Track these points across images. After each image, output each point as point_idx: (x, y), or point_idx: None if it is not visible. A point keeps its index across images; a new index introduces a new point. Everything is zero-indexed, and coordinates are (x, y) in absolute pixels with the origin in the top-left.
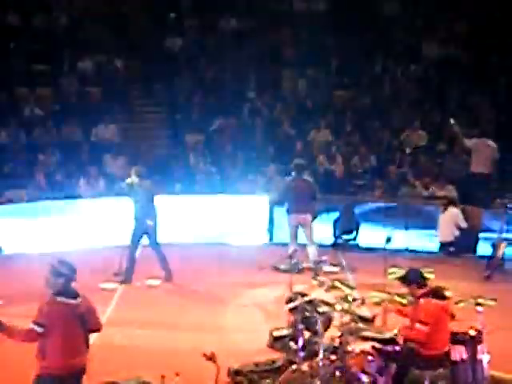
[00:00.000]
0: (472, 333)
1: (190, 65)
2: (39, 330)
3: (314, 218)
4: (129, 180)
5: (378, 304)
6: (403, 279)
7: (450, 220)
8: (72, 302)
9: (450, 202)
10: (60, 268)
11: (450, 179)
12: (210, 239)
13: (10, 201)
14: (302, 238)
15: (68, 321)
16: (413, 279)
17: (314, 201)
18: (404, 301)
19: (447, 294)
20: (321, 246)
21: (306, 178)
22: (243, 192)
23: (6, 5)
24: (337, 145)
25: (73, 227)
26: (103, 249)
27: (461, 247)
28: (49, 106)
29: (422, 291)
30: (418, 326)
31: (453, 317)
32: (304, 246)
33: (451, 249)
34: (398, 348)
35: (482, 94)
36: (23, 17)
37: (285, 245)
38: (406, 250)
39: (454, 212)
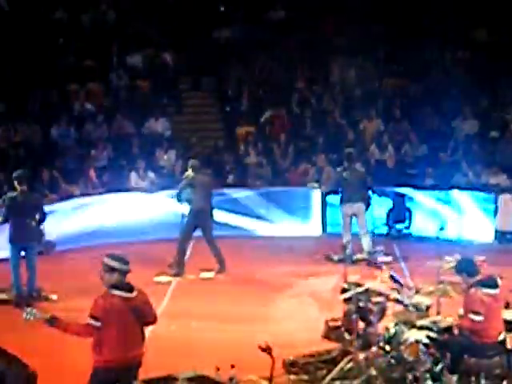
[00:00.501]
0: None
1: (238, 56)
2: (96, 323)
3: (367, 207)
4: (186, 173)
5: (432, 293)
6: (455, 268)
7: (506, 208)
8: (127, 295)
9: (505, 190)
10: (113, 263)
11: (503, 166)
12: (263, 231)
13: (63, 197)
14: (355, 228)
15: (124, 314)
16: (464, 268)
17: (366, 190)
18: (452, 293)
19: (500, 282)
20: (374, 235)
21: (358, 167)
22: (294, 183)
23: (55, 2)
24: (388, 134)
25: (125, 221)
26: (156, 242)
27: None
28: (99, 101)
29: (473, 280)
30: (471, 316)
31: (507, 305)
32: (357, 236)
33: (508, 236)
34: (452, 337)
35: None
36: (71, 13)
37: (338, 235)
38: (460, 238)
39: (508, 199)
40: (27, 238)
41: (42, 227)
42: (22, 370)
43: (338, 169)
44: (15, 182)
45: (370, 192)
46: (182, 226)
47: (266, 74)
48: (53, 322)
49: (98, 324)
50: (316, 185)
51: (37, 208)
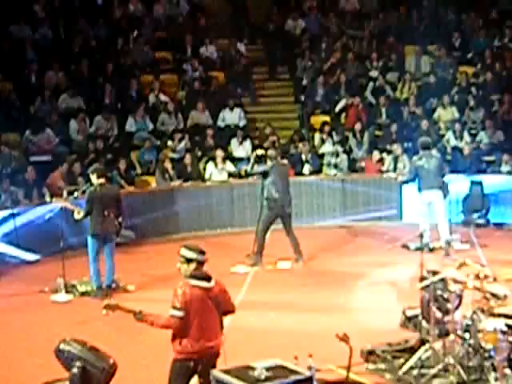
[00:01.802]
0: None
1: (312, 46)
2: (179, 314)
3: (445, 195)
4: (268, 163)
5: (510, 281)
6: None
7: None
8: (206, 285)
9: None
10: (190, 253)
11: None
12: (340, 220)
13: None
14: (432, 217)
15: (203, 304)
16: None
17: (443, 177)
18: None
19: None
20: (451, 223)
21: (434, 154)
22: (369, 171)
23: None
24: (463, 121)
25: (201, 211)
26: (234, 233)
27: None
28: (174, 93)
29: None
30: None
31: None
32: (435, 224)
33: None
34: None
35: None
36: (145, 5)
37: (415, 224)
38: None
39: None
40: (108, 230)
41: (120, 219)
42: (105, 362)
43: (415, 157)
44: (93, 176)
45: (447, 179)
46: (261, 216)
47: (340, 63)
48: (140, 316)
49: (181, 314)
50: (393, 175)
51: (116, 200)
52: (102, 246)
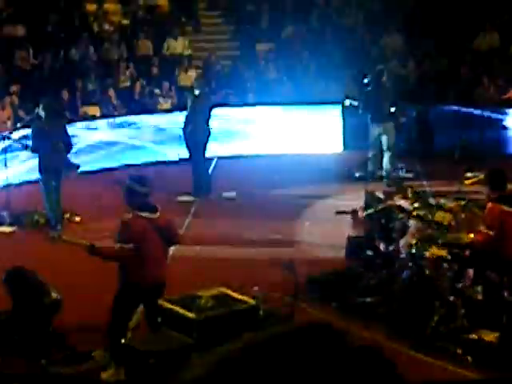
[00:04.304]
0: None
1: None
2: (128, 245)
3: (395, 124)
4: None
5: (454, 210)
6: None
7: None
8: (151, 215)
9: None
10: (134, 185)
11: None
12: (285, 149)
13: (84, 118)
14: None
15: (148, 234)
16: (489, 180)
17: (395, 107)
18: (475, 209)
19: None
20: (396, 153)
21: (387, 85)
22: (317, 100)
23: None
24: (408, 49)
25: (147, 142)
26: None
27: None
28: (118, 22)
29: (495, 195)
30: (482, 229)
31: None
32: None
33: None
34: (474, 253)
35: None
36: None
37: (359, 152)
38: (481, 154)
39: None
40: (58, 164)
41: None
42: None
43: (369, 88)
44: (42, 111)
45: (397, 109)
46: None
47: None
48: (93, 249)
49: (130, 246)
50: (354, 102)
51: (64, 134)
52: (52, 180)
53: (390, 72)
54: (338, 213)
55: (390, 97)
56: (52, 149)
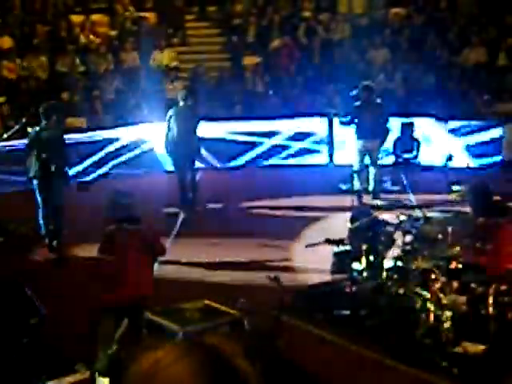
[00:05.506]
0: None
1: None
2: (108, 258)
3: (382, 142)
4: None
5: (440, 222)
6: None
7: None
8: (134, 227)
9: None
10: (117, 197)
11: None
12: (273, 161)
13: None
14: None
15: (133, 246)
16: (473, 196)
17: (384, 125)
18: (460, 223)
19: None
20: (382, 165)
21: (377, 101)
22: (303, 113)
23: None
24: (395, 63)
25: (135, 153)
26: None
27: None
28: (105, 33)
29: (479, 209)
30: (476, 244)
31: None
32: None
33: None
34: (460, 266)
35: None
36: None
37: (346, 166)
38: (468, 167)
39: None
40: (56, 173)
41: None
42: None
43: (357, 103)
44: (42, 116)
45: (387, 126)
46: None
47: (272, 3)
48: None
49: (110, 258)
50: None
51: (62, 142)
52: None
53: (378, 87)
54: (308, 246)
55: (379, 113)
56: (48, 157)
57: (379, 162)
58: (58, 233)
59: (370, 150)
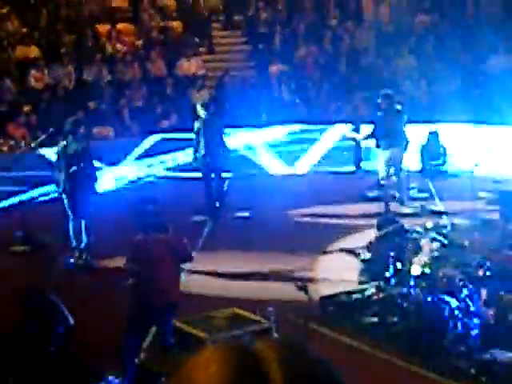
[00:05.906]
0: None
1: None
2: (135, 267)
3: (405, 149)
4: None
5: (468, 229)
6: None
7: None
8: (162, 236)
9: None
10: (145, 205)
11: None
12: (299, 169)
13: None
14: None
15: (160, 254)
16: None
17: (405, 133)
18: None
19: None
20: (409, 172)
21: (398, 109)
22: (329, 120)
23: None
24: (420, 70)
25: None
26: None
27: None
28: (131, 42)
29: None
30: (505, 251)
31: None
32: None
33: None
34: (488, 273)
35: None
36: None
37: (373, 173)
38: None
39: None
40: (83, 186)
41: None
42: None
43: (379, 113)
44: (69, 130)
45: (407, 133)
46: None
47: (298, 12)
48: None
49: (136, 267)
50: (355, 135)
51: (89, 155)
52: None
53: (402, 95)
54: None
55: (400, 121)
56: (75, 170)
57: (406, 169)
58: (87, 244)
59: (393, 158)
